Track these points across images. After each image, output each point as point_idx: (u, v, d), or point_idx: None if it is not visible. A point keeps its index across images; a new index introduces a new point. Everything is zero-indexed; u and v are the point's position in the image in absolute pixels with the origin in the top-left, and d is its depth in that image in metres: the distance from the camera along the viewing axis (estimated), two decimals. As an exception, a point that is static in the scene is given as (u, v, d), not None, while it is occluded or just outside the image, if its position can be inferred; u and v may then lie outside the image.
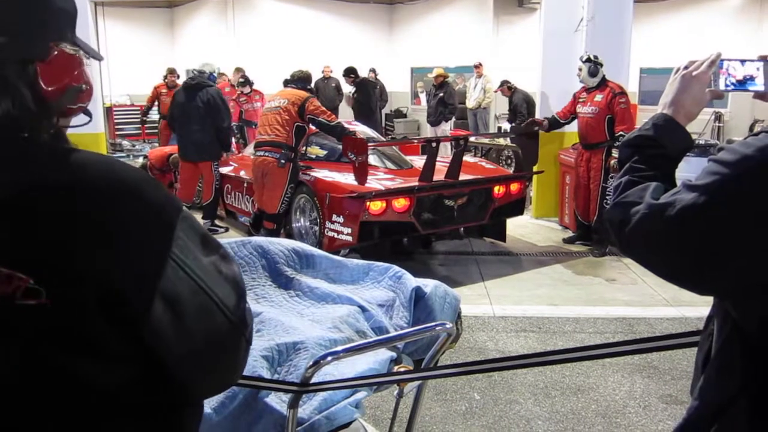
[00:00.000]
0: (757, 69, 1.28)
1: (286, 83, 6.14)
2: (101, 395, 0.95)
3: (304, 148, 6.28)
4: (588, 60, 6.50)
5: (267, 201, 5.97)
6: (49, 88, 0.99)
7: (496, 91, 12.09)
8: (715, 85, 1.28)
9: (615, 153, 6.28)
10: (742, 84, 1.28)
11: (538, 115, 7.55)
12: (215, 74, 7.56)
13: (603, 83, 6.46)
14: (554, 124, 6.86)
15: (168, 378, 0.99)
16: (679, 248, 1.08)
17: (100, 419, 0.96)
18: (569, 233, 7.14)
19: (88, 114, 1.10)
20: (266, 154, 5.83)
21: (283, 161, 5.75)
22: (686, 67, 1.31)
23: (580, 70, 6.54)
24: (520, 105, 11.15)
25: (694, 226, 1.06)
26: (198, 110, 7.15)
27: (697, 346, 1.34)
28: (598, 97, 6.43)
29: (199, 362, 1.01)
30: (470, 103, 12.75)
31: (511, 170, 8.56)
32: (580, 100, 6.63)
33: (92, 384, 0.94)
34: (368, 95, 11.85)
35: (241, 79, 11.55)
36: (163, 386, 1.00)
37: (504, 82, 11.58)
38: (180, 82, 10.12)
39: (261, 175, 5.93)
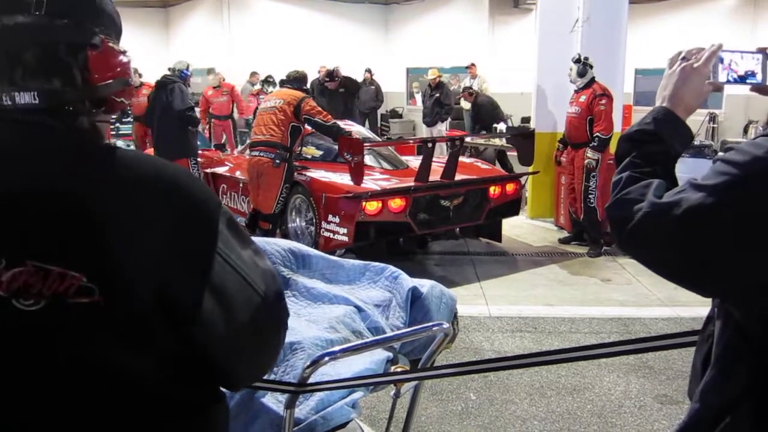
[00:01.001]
0: (756, 62, 1.26)
1: (282, 83, 6.14)
2: (148, 391, 0.96)
3: (299, 148, 6.28)
4: (578, 60, 6.54)
5: (262, 201, 5.96)
6: (97, 75, 1.01)
7: (459, 97, 12.11)
8: (714, 77, 1.25)
9: (589, 153, 6.38)
10: (743, 79, 1.26)
11: (519, 113, 7.61)
12: (187, 71, 7.53)
13: (590, 84, 6.50)
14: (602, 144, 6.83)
15: (214, 370, 1.01)
16: (683, 248, 1.06)
17: (145, 415, 0.96)
18: (565, 234, 7.16)
19: (127, 113, 1.12)
20: (261, 154, 5.83)
21: (278, 161, 5.74)
22: (685, 58, 1.27)
23: (571, 70, 6.60)
24: (483, 110, 11.01)
25: (701, 227, 1.03)
26: (164, 108, 7.18)
27: (692, 346, 1.34)
28: (582, 98, 6.49)
29: (245, 353, 1.03)
30: (466, 104, 12.77)
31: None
32: (570, 100, 6.70)
33: (140, 381, 0.95)
34: (350, 95, 11.77)
35: (270, 79, 11.66)
36: (209, 379, 1.02)
37: (466, 89, 11.74)
38: (148, 80, 10.21)
39: (256, 176, 5.93)
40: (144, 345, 0.93)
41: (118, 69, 1.04)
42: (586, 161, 6.39)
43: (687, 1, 12.67)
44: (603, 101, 6.37)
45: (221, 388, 1.09)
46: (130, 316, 0.91)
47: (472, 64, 12.72)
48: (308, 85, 6.35)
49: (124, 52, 1.06)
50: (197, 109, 11.57)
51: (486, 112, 10.68)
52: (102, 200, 0.91)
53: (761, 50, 1.27)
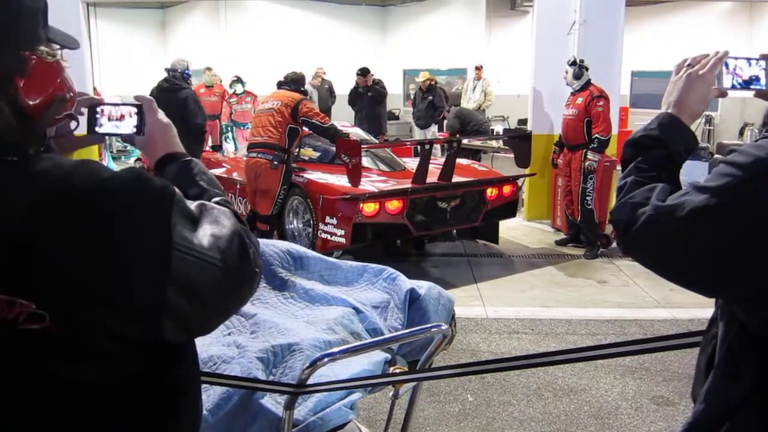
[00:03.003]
0: (761, 68, 1.27)
1: (280, 85, 6.13)
2: (112, 400, 0.96)
3: (297, 149, 6.28)
4: (574, 63, 6.56)
5: (260, 202, 5.96)
6: (33, 103, 0.94)
7: (448, 109, 12.18)
8: (719, 83, 1.26)
9: (589, 155, 6.38)
10: (747, 83, 1.26)
11: (516, 115, 7.61)
12: (188, 71, 7.47)
13: (586, 86, 6.52)
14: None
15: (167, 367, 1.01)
16: (687, 251, 1.07)
17: (109, 423, 0.96)
18: (561, 235, 7.18)
19: (75, 119, 1.08)
20: (259, 155, 5.83)
21: (275, 163, 5.74)
22: (690, 65, 1.28)
23: (566, 72, 6.62)
24: (438, 101, 11.47)
25: (704, 229, 1.05)
26: (172, 114, 7.13)
27: (689, 347, 1.35)
28: (579, 100, 6.52)
29: (213, 318, 1.03)
30: (470, 105, 12.73)
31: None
32: (566, 102, 6.72)
33: (103, 391, 0.94)
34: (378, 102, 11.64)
35: (234, 78, 11.55)
36: (162, 384, 1.01)
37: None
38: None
39: (254, 177, 5.93)
40: (103, 359, 0.93)
41: (56, 84, 0.97)
42: (586, 163, 6.40)
43: (683, 3, 12.71)
44: (600, 103, 6.39)
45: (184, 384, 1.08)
46: (82, 336, 0.90)
47: (480, 66, 12.58)
48: (306, 87, 6.31)
49: (55, 62, 0.98)
50: None
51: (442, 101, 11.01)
52: (48, 224, 0.88)
53: (765, 57, 1.27)
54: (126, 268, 0.90)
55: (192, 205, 1.01)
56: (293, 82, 6.03)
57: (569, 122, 6.62)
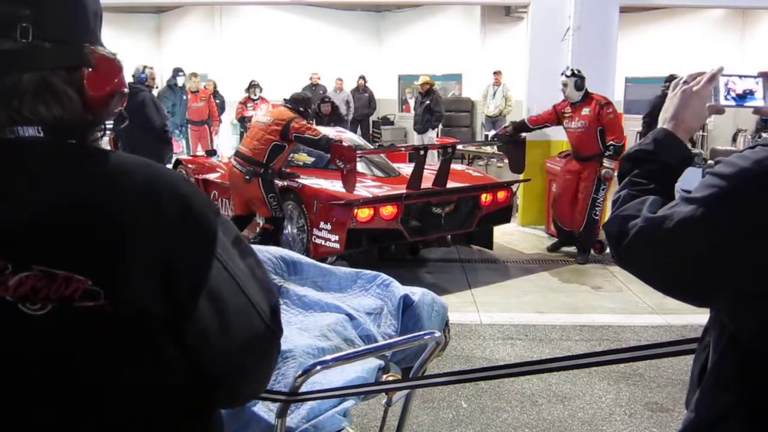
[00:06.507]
0: (757, 84, 1.28)
1: (284, 102, 6.13)
2: (147, 400, 0.96)
3: (282, 163, 6.05)
4: (573, 74, 6.45)
5: (256, 209, 5.99)
6: (96, 95, 0.99)
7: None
8: (715, 100, 1.28)
9: (606, 162, 6.32)
10: (742, 99, 1.28)
11: (510, 120, 7.58)
12: (142, 74, 7.44)
13: (586, 96, 6.45)
14: (521, 127, 6.86)
15: (206, 380, 1.00)
16: (675, 261, 1.09)
17: (142, 424, 0.97)
18: (555, 241, 7.17)
19: (125, 117, 1.11)
20: (237, 165, 5.85)
21: (247, 177, 5.74)
22: (686, 82, 1.31)
23: (565, 85, 6.47)
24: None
25: (691, 239, 1.07)
26: (136, 119, 7.14)
27: (682, 354, 1.35)
28: (585, 111, 6.40)
29: (237, 362, 1.02)
30: (490, 111, 12.76)
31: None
32: (566, 114, 6.56)
33: (140, 389, 0.95)
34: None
35: (252, 83, 11.62)
36: (198, 392, 1.01)
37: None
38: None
39: (233, 184, 6.05)
40: (146, 352, 0.94)
41: (115, 80, 1.03)
42: (602, 171, 6.30)
43: (677, 10, 12.76)
44: (610, 110, 6.31)
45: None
46: (133, 320, 0.92)
47: (499, 71, 12.48)
48: (307, 108, 6.19)
49: (116, 59, 1.04)
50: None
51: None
52: (104, 207, 0.91)
53: (762, 74, 1.29)
54: (172, 263, 0.92)
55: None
56: (294, 101, 5.96)
57: (579, 135, 6.48)
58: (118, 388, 0.94)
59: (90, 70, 0.99)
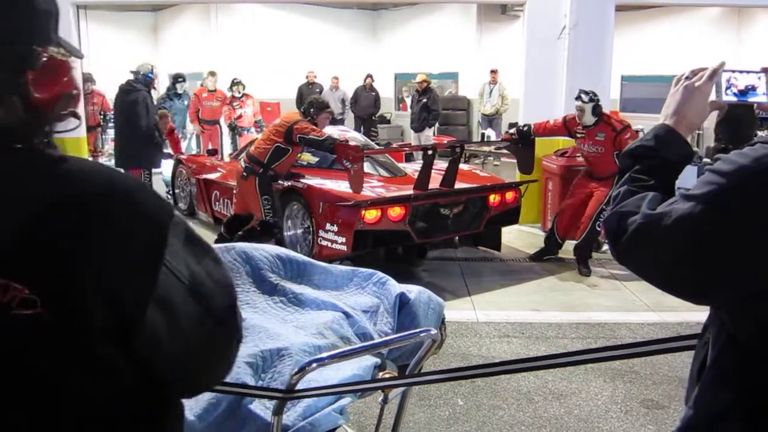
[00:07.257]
0: (759, 79, 1.28)
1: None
2: (92, 405, 0.95)
3: (288, 168, 5.99)
4: (591, 100, 6.05)
5: (250, 209, 5.97)
6: (42, 97, 0.97)
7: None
8: (717, 96, 1.28)
9: None
10: (744, 94, 1.28)
11: (506, 119, 7.48)
12: (150, 74, 7.40)
13: (600, 119, 6.13)
14: (526, 135, 6.58)
15: (156, 383, 0.99)
16: (674, 258, 1.09)
17: (92, 427, 0.96)
18: (538, 250, 6.84)
19: (77, 117, 1.09)
20: (241, 162, 5.95)
21: (245, 174, 5.76)
22: (688, 78, 1.30)
23: (582, 111, 6.09)
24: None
25: (690, 236, 1.06)
26: (123, 115, 7.15)
27: (678, 351, 1.36)
28: (600, 136, 6.09)
29: (190, 364, 1.01)
30: (486, 109, 12.72)
31: None
32: (579, 135, 6.27)
33: (83, 395, 0.94)
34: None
35: (236, 80, 11.51)
36: (150, 394, 1.00)
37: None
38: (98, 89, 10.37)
39: (236, 180, 6.11)
40: (91, 360, 0.93)
41: (64, 82, 1.00)
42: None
43: (673, 9, 12.78)
44: (627, 135, 5.97)
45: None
46: (73, 328, 0.90)
47: (495, 69, 12.44)
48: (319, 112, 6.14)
49: (67, 60, 1.01)
50: (187, 115, 11.55)
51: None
52: (47, 214, 0.90)
53: (764, 70, 1.29)
54: (118, 271, 0.91)
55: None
56: (308, 103, 5.98)
57: (595, 159, 6.21)
58: (67, 392, 0.93)
59: (35, 71, 0.96)
